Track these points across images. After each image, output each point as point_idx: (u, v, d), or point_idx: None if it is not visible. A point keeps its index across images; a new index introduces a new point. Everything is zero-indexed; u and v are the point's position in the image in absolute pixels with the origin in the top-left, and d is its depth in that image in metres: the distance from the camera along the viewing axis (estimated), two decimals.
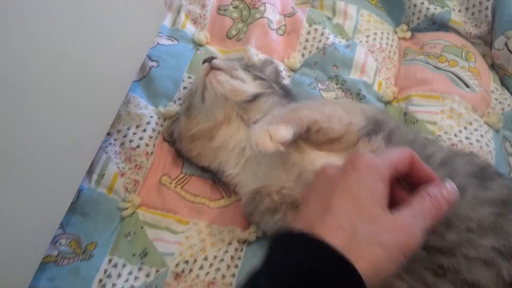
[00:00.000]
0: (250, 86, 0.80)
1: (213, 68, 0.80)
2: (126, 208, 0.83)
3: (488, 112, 0.93)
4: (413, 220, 0.48)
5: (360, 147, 0.69)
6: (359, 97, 0.94)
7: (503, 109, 0.97)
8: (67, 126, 0.71)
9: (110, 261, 0.78)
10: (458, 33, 1.04)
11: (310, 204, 0.52)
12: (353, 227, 0.46)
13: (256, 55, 1.01)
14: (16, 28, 0.56)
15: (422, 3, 1.06)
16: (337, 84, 0.97)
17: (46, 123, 0.65)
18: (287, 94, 0.85)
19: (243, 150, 0.79)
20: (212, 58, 0.81)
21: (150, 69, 0.97)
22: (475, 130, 0.87)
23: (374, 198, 0.49)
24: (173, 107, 0.94)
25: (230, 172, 0.81)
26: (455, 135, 0.86)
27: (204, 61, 0.82)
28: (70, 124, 0.71)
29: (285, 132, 0.65)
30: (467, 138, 0.85)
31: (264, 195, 0.76)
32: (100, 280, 0.76)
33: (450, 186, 0.53)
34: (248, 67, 0.88)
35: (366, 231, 0.46)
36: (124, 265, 0.77)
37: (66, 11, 0.65)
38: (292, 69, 1.01)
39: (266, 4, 1.08)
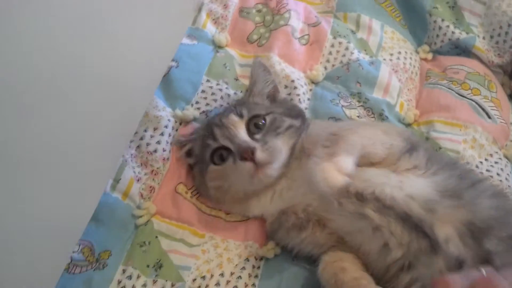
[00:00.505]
0: (285, 149, 0.76)
1: (258, 165, 0.73)
2: (141, 216, 0.80)
3: (506, 145, 0.94)
4: None
5: (401, 164, 0.69)
6: (382, 117, 0.93)
7: None
8: (93, 132, 0.67)
9: (124, 271, 0.75)
10: (480, 60, 1.05)
11: None
12: None
13: (279, 64, 0.98)
14: (46, 36, 0.53)
15: (448, 26, 1.06)
16: (359, 101, 0.95)
17: (73, 127, 0.62)
18: (300, 117, 0.83)
19: (276, 191, 0.78)
20: (252, 152, 0.72)
21: (169, 69, 0.94)
22: (496, 162, 0.87)
23: None
24: (190, 111, 0.91)
25: (257, 210, 0.80)
26: (477, 167, 0.86)
27: (243, 158, 0.73)
28: (96, 129, 0.68)
29: (349, 163, 0.64)
30: (488, 170, 0.86)
31: (290, 213, 0.76)
32: None
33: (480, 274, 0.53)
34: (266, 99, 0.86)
35: None
36: (138, 277, 0.75)
37: (96, 15, 0.62)
38: (313, 82, 0.99)
39: (291, 11, 1.05)
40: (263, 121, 0.78)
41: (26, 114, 0.52)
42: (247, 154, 0.72)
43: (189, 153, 0.86)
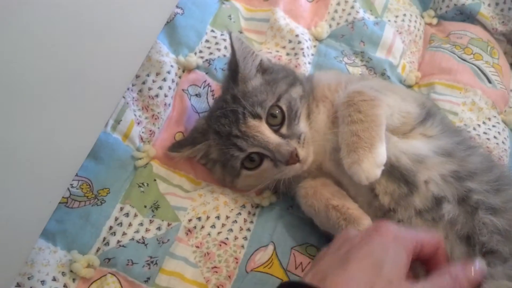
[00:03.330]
0: (306, 124, 0.74)
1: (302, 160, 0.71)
2: (141, 158, 0.80)
3: (505, 111, 0.95)
4: None
5: (412, 134, 0.70)
6: (383, 77, 0.94)
7: None
8: (94, 68, 0.67)
9: (121, 209, 0.76)
10: (484, 27, 1.05)
11: (325, 259, 0.53)
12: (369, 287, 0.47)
13: (283, 19, 0.98)
14: None
15: None
16: (362, 60, 0.96)
17: (74, 62, 0.62)
18: (297, 80, 0.79)
19: None
20: (296, 155, 0.70)
21: (174, 15, 0.93)
22: (493, 126, 0.88)
23: (395, 266, 0.50)
24: (193, 58, 0.91)
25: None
26: (474, 129, 0.87)
27: (290, 164, 0.70)
28: (97, 66, 0.68)
29: (385, 153, 0.64)
30: (485, 133, 0.87)
31: None
32: (110, 227, 0.74)
33: (479, 265, 0.55)
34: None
35: None
36: (135, 215, 0.76)
37: None
38: (317, 39, 0.99)
39: None
40: (279, 110, 0.73)
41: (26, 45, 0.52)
42: (293, 160, 0.70)
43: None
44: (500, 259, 0.61)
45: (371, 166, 0.62)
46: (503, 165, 0.82)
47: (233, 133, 0.72)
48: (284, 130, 0.72)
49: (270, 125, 0.72)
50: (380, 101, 0.67)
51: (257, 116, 0.71)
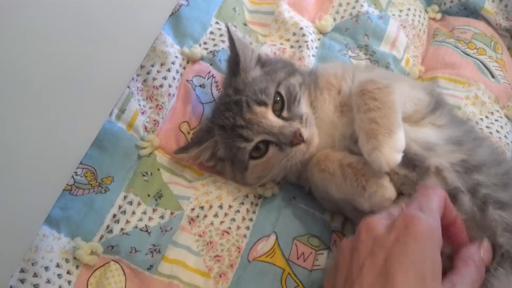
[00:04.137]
0: (308, 108, 0.75)
1: (307, 141, 0.72)
2: (145, 147, 0.81)
3: (508, 105, 0.95)
4: None
5: (423, 122, 0.70)
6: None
7: None
8: (99, 57, 0.68)
9: (125, 197, 0.77)
10: (488, 22, 1.05)
11: (365, 271, 0.50)
12: None
13: (288, 12, 0.99)
14: None
15: None
16: (366, 54, 0.96)
17: (80, 55, 0.63)
18: (296, 70, 0.80)
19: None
20: (300, 134, 0.70)
21: (179, 7, 0.94)
22: (496, 120, 0.89)
23: (436, 273, 0.49)
24: (197, 49, 0.91)
25: None
26: (477, 123, 0.87)
27: (295, 144, 0.70)
28: (103, 56, 0.68)
29: (403, 139, 0.64)
30: (487, 127, 0.87)
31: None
32: (114, 215, 0.75)
33: (487, 246, 0.56)
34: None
35: None
36: (139, 204, 0.76)
37: None
38: (321, 32, 0.99)
39: None
40: (278, 95, 0.73)
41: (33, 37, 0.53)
42: (297, 139, 0.70)
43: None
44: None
45: (391, 151, 0.62)
46: (511, 161, 0.81)
47: (238, 123, 0.72)
48: (285, 113, 0.73)
49: (274, 111, 0.72)
50: (394, 88, 0.67)
51: (262, 103, 0.72)
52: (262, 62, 0.79)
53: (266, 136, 0.71)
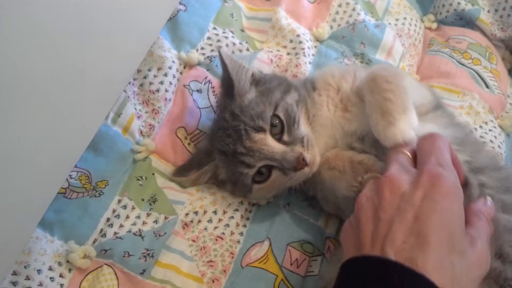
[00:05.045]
0: (307, 126, 0.74)
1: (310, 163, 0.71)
2: (140, 152, 0.81)
3: (502, 115, 0.96)
4: (486, 248, 0.50)
5: (425, 118, 0.70)
6: None
7: None
8: (96, 61, 0.67)
9: (119, 201, 0.76)
10: (483, 32, 1.06)
11: (395, 229, 0.49)
12: (452, 266, 0.46)
13: (285, 19, 0.99)
14: None
15: None
16: (362, 62, 0.97)
17: (77, 58, 0.63)
18: (291, 85, 0.78)
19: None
20: (303, 159, 0.69)
21: (177, 12, 0.94)
22: (490, 130, 0.89)
23: (462, 228, 0.49)
24: (194, 55, 0.91)
25: None
26: (471, 132, 0.88)
27: (298, 169, 0.69)
28: (100, 60, 0.68)
29: (416, 117, 0.64)
30: (481, 136, 0.88)
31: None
32: (108, 219, 0.75)
33: (490, 203, 0.56)
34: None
35: (461, 269, 0.47)
36: (133, 208, 0.76)
37: None
38: (318, 40, 1.00)
39: None
40: (277, 119, 0.72)
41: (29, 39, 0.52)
42: (301, 164, 0.69)
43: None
44: None
45: (406, 126, 0.62)
46: (510, 169, 0.80)
47: (238, 151, 0.71)
48: (285, 137, 0.72)
49: (272, 135, 0.71)
50: (405, 76, 0.70)
51: (260, 130, 0.71)
52: (256, 80, 0.78)
53: (268, 161, 0.71)
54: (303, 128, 0.73)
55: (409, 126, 0.62)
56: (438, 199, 0.50)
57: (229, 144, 0.72)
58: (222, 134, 0.74)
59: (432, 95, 0.75)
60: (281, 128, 0.72)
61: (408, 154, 0.59)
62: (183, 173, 0.79)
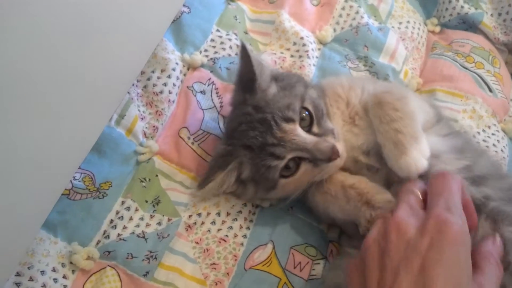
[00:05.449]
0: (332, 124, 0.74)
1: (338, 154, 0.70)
2: (143, 153, 0.81)
3: (505, 119, 0.96)
4: None
5: (431, 131, 0.71)
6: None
7: None
8: (101, 63, 0.68)
9: (123, 203, 0.77)
10: (486, 36, 1.06)
11: (401, 279, 0.49)
12: None
13: (289, 22, 0.99)
14: None
15: (458, 0, 1.07)
16: (365, 65, 0.97)
17: (81, 60, 0.63)
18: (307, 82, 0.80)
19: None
20: (337, 150, 0.69)
21: (181, 14, 0.94)
22: (493, 134, 0.89)
23: (469, 276, 0.49)
24: (198, 56, 0.91)
25: None
26: (474, 136, 0.88)
27: (332, 160, 0.68)
28: (104, 62, 0.68)
29: (427, 145, 0.65)
30: (484, 140, 0.88)
31: None
32: (111, 221, 0.75)
33: (499, 241, 0.56)
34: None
35: None
36: (136, 210, 0.76)
37: None
38: (321, 42, 1.00)
39: None
40: (307, 112, 0.71)
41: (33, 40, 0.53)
42: (336, 154, 0.68)
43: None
44: None
45: (419, 156, 0.63)
46: None
47: (269, 142, 0.69)
48: (315, 129, 0.71)
49: (301, 127, 0.71)
50: (410, 99, 0.69)
51: (290, 120, 0.69)
52: (275, 77, 0.77)
53: (299, 153, 0.69)
54: (329, 121, 0.73)
55: (422, 156, 0.63)
56: (444, 248, 0.50)
57: (257, 137, 0.70)
58: (246, 128, 0.71)
59: (433, 110, 0.75)
60: (310, 121, 0.71)
61: (419, 194, 0.59)
62: (208, 179, 0.74)
